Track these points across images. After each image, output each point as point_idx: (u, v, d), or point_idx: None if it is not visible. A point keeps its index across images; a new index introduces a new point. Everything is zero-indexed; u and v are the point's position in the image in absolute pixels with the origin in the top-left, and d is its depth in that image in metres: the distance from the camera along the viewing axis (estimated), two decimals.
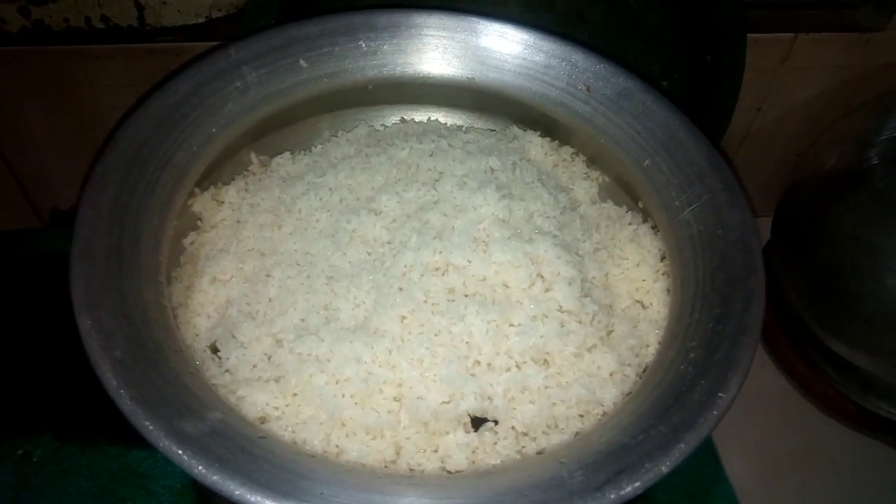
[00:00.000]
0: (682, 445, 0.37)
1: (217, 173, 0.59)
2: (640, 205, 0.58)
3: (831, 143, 0.81)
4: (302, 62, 0.58)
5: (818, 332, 0.77)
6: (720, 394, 0.39)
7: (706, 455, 0.63)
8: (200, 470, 0.35)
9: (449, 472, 0.44)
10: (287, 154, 0.62)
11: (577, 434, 0.46)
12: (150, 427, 0.36)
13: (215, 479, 0.34)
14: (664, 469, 0.36)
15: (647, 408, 0.40)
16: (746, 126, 0.89)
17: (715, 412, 0.38)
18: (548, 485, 0.36)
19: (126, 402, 0.36)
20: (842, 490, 0.75)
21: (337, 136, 0.64)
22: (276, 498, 0.34)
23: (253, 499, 0.34)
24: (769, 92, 0.85)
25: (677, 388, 0.41)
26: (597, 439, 0.39)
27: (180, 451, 0.35)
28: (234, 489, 0.34)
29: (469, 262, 0.50)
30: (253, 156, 0.61)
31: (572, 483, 0.36)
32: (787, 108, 0.87)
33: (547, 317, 0.48)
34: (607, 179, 0.62)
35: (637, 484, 0.35)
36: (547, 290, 0.50)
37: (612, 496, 0.35)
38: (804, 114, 0.88)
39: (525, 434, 0.46)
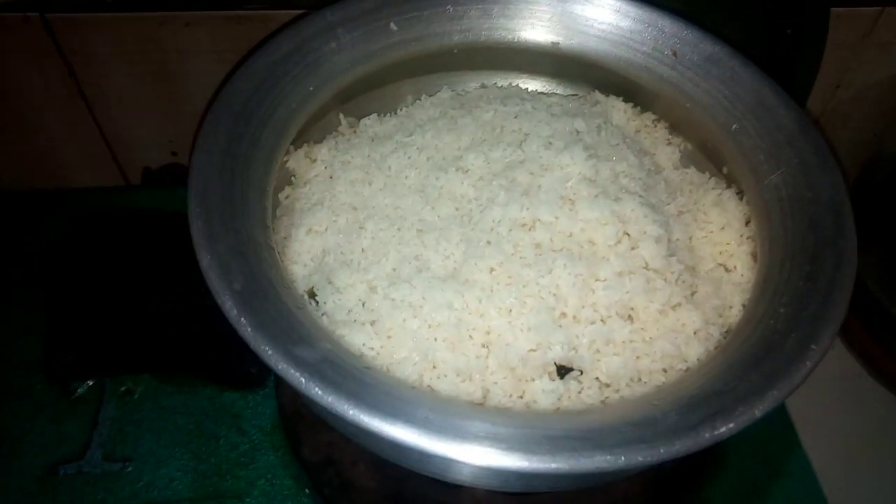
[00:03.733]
0: (776, 392, 0.38)
1: (308, 133, 0.61)
2: (725, 171, 0.58)
3: None
4: (392, 25, 0.60)
5: (892, 311, 0.76)
6: (812, 346, 0.40)
7: (780, 422, 0.64)
8: (317, 392, 0.37)
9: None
10: (374, 116, 0.64)
11: (659, 388, 0.47)
12: (270, 352, 0.38)
13: (330, 399, 0.37)
14: (757, 413, 0.37)
15: (738, 359, 0.41)
16: (823, 104, 0.87)
17: (807, 362, 0.39)
18: (642, 423, 0.37)
19: (247, 330, 0.39)
20: None
21: (421, 100, 0.66)
22: (385, 418, 0.36)
23: (365, 419, 0.36)
24: (848, 69, 0.83)
25: (768, 342, 0.41)
26: (687, 386, 0.41)
27: (297, 374, 0.38)
28: (349, 409, 0.36)
29: (556, 218, 0.51)
30: (341, 117, 0.64)
31: (666, 422, 0.37)
32: (865, 85, 0.85)
33: (633, 273, 0.49)
34: (689, 146, 0.62)
35: (731, 425, 0.36)
36: (633, 247, 0.51)
37: (707, 435, 0.36)
38: (884, 92, 0.86)
39: (608, 385, 0.48)
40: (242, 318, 0.40)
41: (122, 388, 0.65)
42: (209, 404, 0.63)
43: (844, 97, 0.87)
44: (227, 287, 0.41)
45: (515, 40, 0.62)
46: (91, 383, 0.65)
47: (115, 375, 0.65)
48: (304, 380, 0.37)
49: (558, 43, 0.61)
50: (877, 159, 0.86)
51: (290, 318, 0.41)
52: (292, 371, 0.38)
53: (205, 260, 0.42)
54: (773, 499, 0.59)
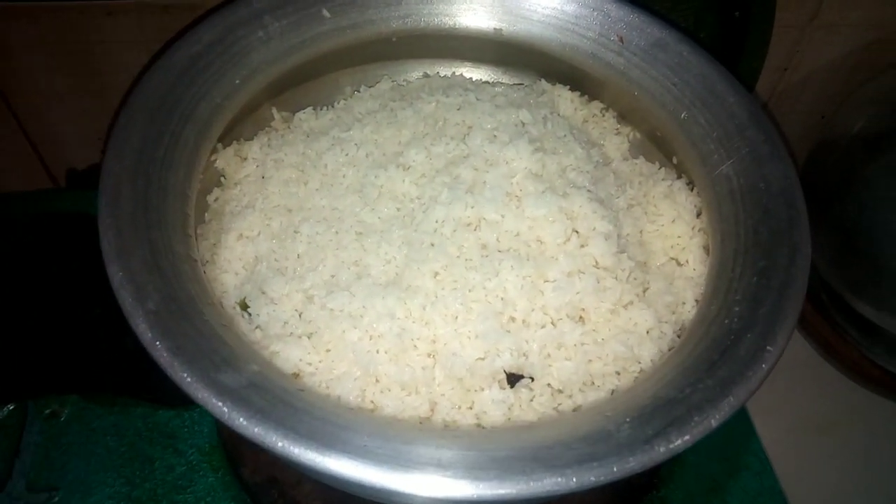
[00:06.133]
0: (732, 399, 0.36)
1: (239, 129, 0.57)
2: (675, 161, 0.56)
3: (861, 103, 0.79)
4: (325, 12, 0.56)
5: (844, 295, 0.76)
6: (768, 347, 0.38)
7: (737, 417, 0.62)
8: (241, 422, 0.34)
9: (484, 427, 0.44)
10: (309, 109, 0.60)
11: (613, 391, 0.45)
12: (189, 379, 0.35)
13: (257, 430, 0.34)
14: (713, 423, 0.35)
15: (692, 362, 0.39)
16: (772, 87, 0.87)
17: (763, 365, 0.37)
18: (594, 438, 0.35)
19: (162, 354, 0.36)
20: (868, 453, 0.75)
21: (360, 91, 0.62)
22: (319, 449, 0.33)
23: (296, 450, 0.33)
24: (796, 51, 0.82)
25: (722, 343, 0.40)
26: (641, 393, 0.39)
27: (220, 403, 0.34)
28: (277, 441, 0.33)
29: (502, 216, 0.49)
30: (274, 111, 0.60)
31: (620, 436, 0.35)
32: (813, 68, 0.85)
33: (583, 273, 0.47)
34: (638, 135, 0.60)
35: (686, 437, 0.35)
36: (582, 245, 0.48)
37: (662, 449, 0.34)
38: (831, 74, 0.86)
39: (561, 391, 0.45)
40: (158, 342, 0.36)
41: (47, 411, 0.60)
42: (142, 424, 0.59)
43: (792, 80, 0.86)
44: (140, 307, 0.37)
45: (457, 27, 0.59)
46: (11, 407, 0.60)
47: (39, 397, 0.60)
48: (227, 409, 0.34)
49: (501, 29, 0.58)
50: (826, 142, 0.86)
51: (213, 339, 0.38)
52: (214, 400, 0.34)
53: (116, 277, 0.38)
54: (731, 496, 0.58)
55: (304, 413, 0.35)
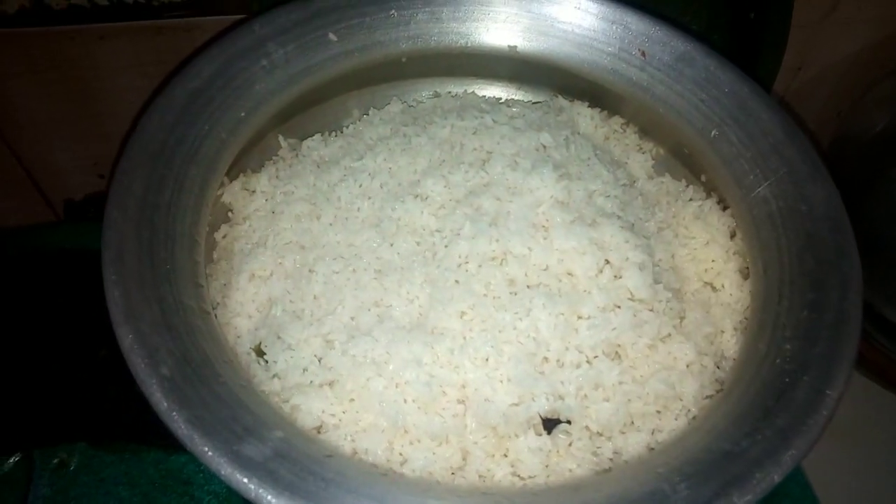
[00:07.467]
0: (794, 452, 0.34)
1: (245, 160, 0.54)
2: (703, 178, 0.54)
3: (880, 101, 0.76)
4: (331, 36, 0.53)
5: (870, 299, 0.74)
6: (827, 391, 0.36)
7: None
8: (270, 500, 0.31)
9: (521, 477, 0.41)
10: (318, 136, 0.57)
11: (653, 431, 0.43)
12: (210, 453, 0.32)
13: None
14: (776, 478, 0.33)
15: (745, 409, 0.37)
16: (785, 86, 0.84)
17: (824, 412, 0.35)
18: (650, 500, 0.33)
19: (180, 427, 0.33)
20: None
21: (368, 115, 0.59)
22: None
23: None
24: (810, 49, 0.80)
25: (777, 386, 0.37)
26: (693, 445, 0.36)
27: (245, 480, 0.32)
28: None
29: (530, 249, 0.46)
30: (281, 139, 0.57)
31: (677, 498, 0.32)
32: (827, 65, 0.83)
33: (618, 307, 0.45)
34: (661, 152, 0.58)
35: (749, 497, 0.32)
36: (616, 277, 0.46)
37: None
38: (845, 70, 0.84)
39: (600, 434, 0.43)
40: (174, 413, 0.34)
41: (55, 461, 0.57)
42: (155, 472, 0.56)
43: (806, 77, 0.84)
44: (153, 373, 0.35)
45: (469, 45, 0.56)
46: (17, 458, 0.57)
47: (46, 446, 0.58)
48: (253, 486, 0.32)
49: (516, 46, 0.56)
50: (843, 140, 0.84)
51: (233, 404, 0.35)
52: (238, 476, 0.32)
53: (126, 340, 0.36)
54: None
55: (335, 485, 0.33)
